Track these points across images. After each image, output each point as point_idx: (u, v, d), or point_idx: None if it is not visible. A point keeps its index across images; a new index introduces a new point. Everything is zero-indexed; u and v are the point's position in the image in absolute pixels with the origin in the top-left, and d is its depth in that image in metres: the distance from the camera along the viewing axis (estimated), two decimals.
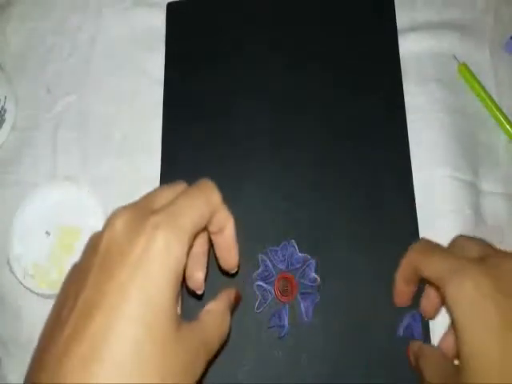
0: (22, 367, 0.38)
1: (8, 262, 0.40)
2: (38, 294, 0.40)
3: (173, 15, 0.47)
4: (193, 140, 0.43)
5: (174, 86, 0.45)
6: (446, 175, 0.40)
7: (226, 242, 0.29)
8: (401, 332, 0.35)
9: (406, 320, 0.35)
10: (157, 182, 0.42)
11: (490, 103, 0.42)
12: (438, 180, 0.40)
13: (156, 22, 0.47)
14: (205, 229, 0.27)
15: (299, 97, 0.43)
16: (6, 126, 0.45)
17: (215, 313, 0.28)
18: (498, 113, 0.42)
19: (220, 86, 0.44)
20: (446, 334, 0.32)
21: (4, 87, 0.45)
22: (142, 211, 0.25)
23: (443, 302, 0.29)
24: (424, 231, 0.39)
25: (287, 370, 0.36)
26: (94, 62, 0.47)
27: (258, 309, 0.37)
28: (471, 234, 0.39)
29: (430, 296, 0.33)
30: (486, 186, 0.41)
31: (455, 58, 0.44)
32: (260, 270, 0.38)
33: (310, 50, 0.45)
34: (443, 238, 0.39)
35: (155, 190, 0.28)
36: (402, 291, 0.32)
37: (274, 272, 0.38)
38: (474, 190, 0.40)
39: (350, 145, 0.41)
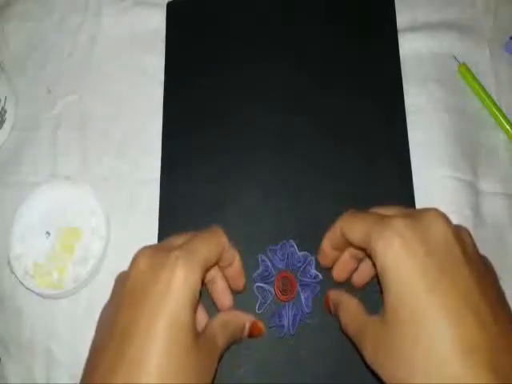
0: (22, 367, 0.39)
1: (8, 262, 0.40)
2: (38, 294, 0.40)
3: (173, 15, 0.47)
4: (193, 140, 0.43)
5: (173, 86, 0.45)
6: (446, 175, 0.41)
7: (235, 272, 0.35)
8: None
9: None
10: (157, 182, 0.42)
11: (489, 103, 0.42)
12: (437, 180, 0.41)
13: (156, 21, 0.47)
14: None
15: (299, 96, 0.43)
16: (6, 126, 0.45)
17: (219, 317, 0.33)
18: (497, 113, 0.42)
19: (220, 85, 0.44)
20: (360, 270, 0.35)
21: (4, 87, 0.44)
22: (161, 249, 0.29)
23: (372, 261, 0.29)
24: None
25: (287, 369, 0.36)
26: (94, 62, 0.47)
27: (258, 310, 0.37)
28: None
29: (361, 270, 0.35)
30: (486, 186, 0.41)
31: (455, 58, 0.44)
32: (260, 270, 0.38)
33: (310, 51, 0.45)
34: None
35: (170, 237, 0.33)
36: (328, 255, 0.34)
37: (273, 272, 0.38)
38: (473, 190, 0.40)
39: (350, 145, 0.41)
